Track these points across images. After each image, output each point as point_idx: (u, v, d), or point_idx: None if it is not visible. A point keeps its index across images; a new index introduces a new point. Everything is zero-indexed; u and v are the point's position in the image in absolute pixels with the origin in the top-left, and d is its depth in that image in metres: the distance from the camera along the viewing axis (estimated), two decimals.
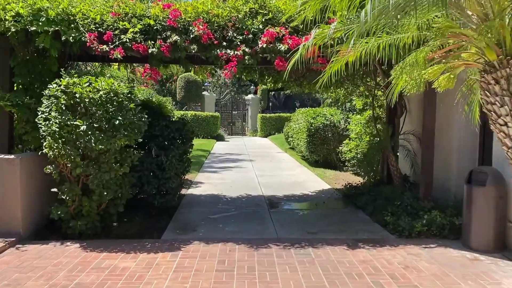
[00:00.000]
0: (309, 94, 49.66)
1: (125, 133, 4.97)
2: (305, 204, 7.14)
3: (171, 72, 23.24)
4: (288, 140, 15.64)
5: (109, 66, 7.90)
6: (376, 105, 9.13)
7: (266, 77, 7.99)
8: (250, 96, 27.23)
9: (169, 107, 8.93)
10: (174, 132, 6.29)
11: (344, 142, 10.32)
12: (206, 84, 25.20)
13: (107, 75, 9.29)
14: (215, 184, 8.89)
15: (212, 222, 6.00)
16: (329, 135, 10.93)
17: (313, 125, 10.89)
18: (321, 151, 10.94)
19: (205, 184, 8.96)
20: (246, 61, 5.16)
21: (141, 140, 6.43)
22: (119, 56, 5.26)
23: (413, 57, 3.28)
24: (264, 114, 25.69)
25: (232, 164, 12.23)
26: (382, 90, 7.81)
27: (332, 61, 4.11)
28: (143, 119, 5.20)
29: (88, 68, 9.91)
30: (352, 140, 10.07)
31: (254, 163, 12.37)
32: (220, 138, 22.31)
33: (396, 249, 4.81)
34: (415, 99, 7.52)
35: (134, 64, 7.81)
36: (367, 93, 9.19)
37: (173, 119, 6.90)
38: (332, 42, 4.20)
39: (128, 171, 5.19)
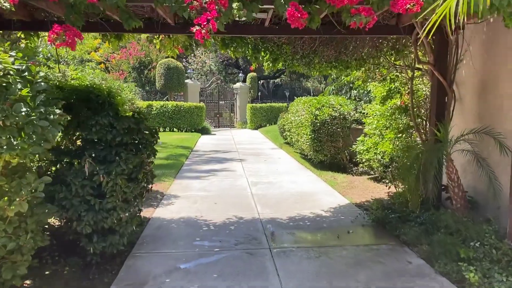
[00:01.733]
0: (299, 83, 47.39)
1: (14, 142, 2.71)
2: (322, 236, 4.96)
3: (150, 58, 20.49)
4: (284, 134, 13.44)
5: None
6: (404, 91, 6.98)
7: (263, 53, 5.74)
8: (238, 85, 24.88)
9: (130, 95, 6.59)
10: (123, 135, 4.02)
11: (358, 139, 8.18)
12: (189, 71, 22.76)
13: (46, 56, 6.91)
14: (194, 199, 6.65)
15: (184, 278, 3.78)
16: (338, 130, 8.75)
17: (318, 117, 8.70)
18: (328, 149, 8.77)
19: (181, 199, 6.72)
20: (235, 11, 2.90)
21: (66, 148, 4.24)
22: (7, 4, 2.97)
23: None
24: (254, 104, 23.41)
25: (218, 166, 9.99)
26: (426, 69, 5.64)
27: None
28: (53, 117, 2.93)
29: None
30: (369, 137, 7.95)
31: (245, 164, 10.15)
32: (205, 131, 20.00)
33: None
34: (469, 81, 5.37)
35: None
36: (393, 77, 7.03)
37: (125, 114, 4.62)
38: None
39: (25, 209, 2.93)
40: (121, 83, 22.53)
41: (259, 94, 32.14)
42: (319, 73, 6.46)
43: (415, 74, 6.46)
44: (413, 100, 6.05)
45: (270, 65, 6.00)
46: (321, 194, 6.96)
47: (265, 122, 23.32)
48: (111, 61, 22.87)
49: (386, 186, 6.90)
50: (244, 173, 8.96)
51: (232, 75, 33.87)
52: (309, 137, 8.82)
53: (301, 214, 5.73)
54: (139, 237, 4.86)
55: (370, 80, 7.26)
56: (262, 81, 40.88)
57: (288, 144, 13.50)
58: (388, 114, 7.06)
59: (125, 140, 4.08)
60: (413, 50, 5.91)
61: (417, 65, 5.70)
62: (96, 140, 4.03)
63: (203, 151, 13.05)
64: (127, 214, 4.00)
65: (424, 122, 6.62)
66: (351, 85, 12.32)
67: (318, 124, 8.65)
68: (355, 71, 7.24)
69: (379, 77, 7.32)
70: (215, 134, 19.81)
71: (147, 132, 4.46)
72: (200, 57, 26.74)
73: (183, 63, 24.49)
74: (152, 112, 19.18)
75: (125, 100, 5.46)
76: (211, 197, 6.78)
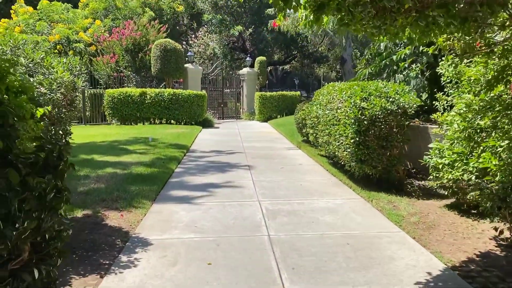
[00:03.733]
0: (312, 69, 44.53)
1: None
2: None
3: (146, 38, 17.62)
4: (305, 131, 10.66)
5: None
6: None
7: None
8: (245, 70, 22.00)
9: (65, 76, 3.80)
10: None
11: (431, 145, 5.40)
12: (189, 54, 19.90)
13: None
14: (174, 253, 3.94)
15: None
16: (395, 130, 5.98)
17: (366, 112, 5.89)
18: (379, 159, 6.00)
19: (153, 251, 4.01)
20: None
21: None
22: None
23: None
24: (263, 93, 20.57)
25: (218, 177, 7.27)
26: None
27: None
28: None
29: None
30: (450, 143, 5.18)
31: (256, 174, 7.43)
32: (207, 124, 17.27)
33: None
34: None
35: None
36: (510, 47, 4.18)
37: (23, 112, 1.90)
38: None
39: None
40: (106, 63, 19.78)
41: (266, 81, 29.30)
42: (394, 37, 3.65)
43: None
44: None
45: (311, 18, 3.21)
46: (386, 242, 4.21)
47: (276, 113, 20.52)
48: (102, 42, 20.10)
49: (495, 230, 4.13)
50: (255, 191, 6.23)
51: (238, 60, 30.97)
52: (351, 140, 6.03)
53: None
54: None
55: (470, 51, 4.41)
56: (270, 67, 37.88)
57: (309, 143, 10.74)
58: (499, 107, 4.26)
59: None
60: None
61: None
62: None
63: (201, 151, 10.33)
64: None
65: None
66: (395, 67, 9.48)
67: (365, 121, 5.85)
68: (441, 39, 4.47)
69: (479, 47, 4.51)
70: (218, 128, 17.07)
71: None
72: (202, 39, 23.83)
73: (183, 45, 21.67)
74: (146, 101, 16.48)
75: (29, 83, 2.74)
76: (204, 247, 4.06)
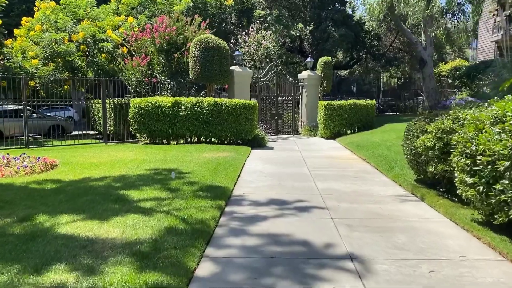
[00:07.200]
0: (378, 74, 38.94)
1: None
2: None
3: (184, 36, 13.30)
4: (432, 169, 6.05)
5: None
6: None
7: None
8: (305, 73, 17.65)
9: None
10: None
11: None
12: (236, 53, 15.86)
13: None
14: None
15: None
16: None
17: None
18: None
19: None
20: None
21: None
22: None
23: None
24: (330, 102, 16.03)
25: None
26: None
27: None
28: None
29: None
30: None
31: None
32: (257, 143, 13.08)
33: None
34: None
35: None
36: None
37: None
38: None
39: None
40: (143, 69, 16.26)
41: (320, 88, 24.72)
42: None
43: None
44: None
45: None
46: None
47: (346, 127, 15.95)
48: (132, 42, 16.70)
49: None
50: None
51: (292, 64, 26.65)
52: None
53: None
54: None
55: None
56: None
57: (433, 187, 6.16)
58: None
59: None
60: None
61: None
62: None
63: (251, 203, 6.06)
64: None
65: None
66: None
67: None
68: None
69: None
70: (272, 148, 12.80)
71: None
72: (254, 36, 19.78)
73: (230, 45, 17.78)
74: (180, 114, 12.65)
75: None
76: None
